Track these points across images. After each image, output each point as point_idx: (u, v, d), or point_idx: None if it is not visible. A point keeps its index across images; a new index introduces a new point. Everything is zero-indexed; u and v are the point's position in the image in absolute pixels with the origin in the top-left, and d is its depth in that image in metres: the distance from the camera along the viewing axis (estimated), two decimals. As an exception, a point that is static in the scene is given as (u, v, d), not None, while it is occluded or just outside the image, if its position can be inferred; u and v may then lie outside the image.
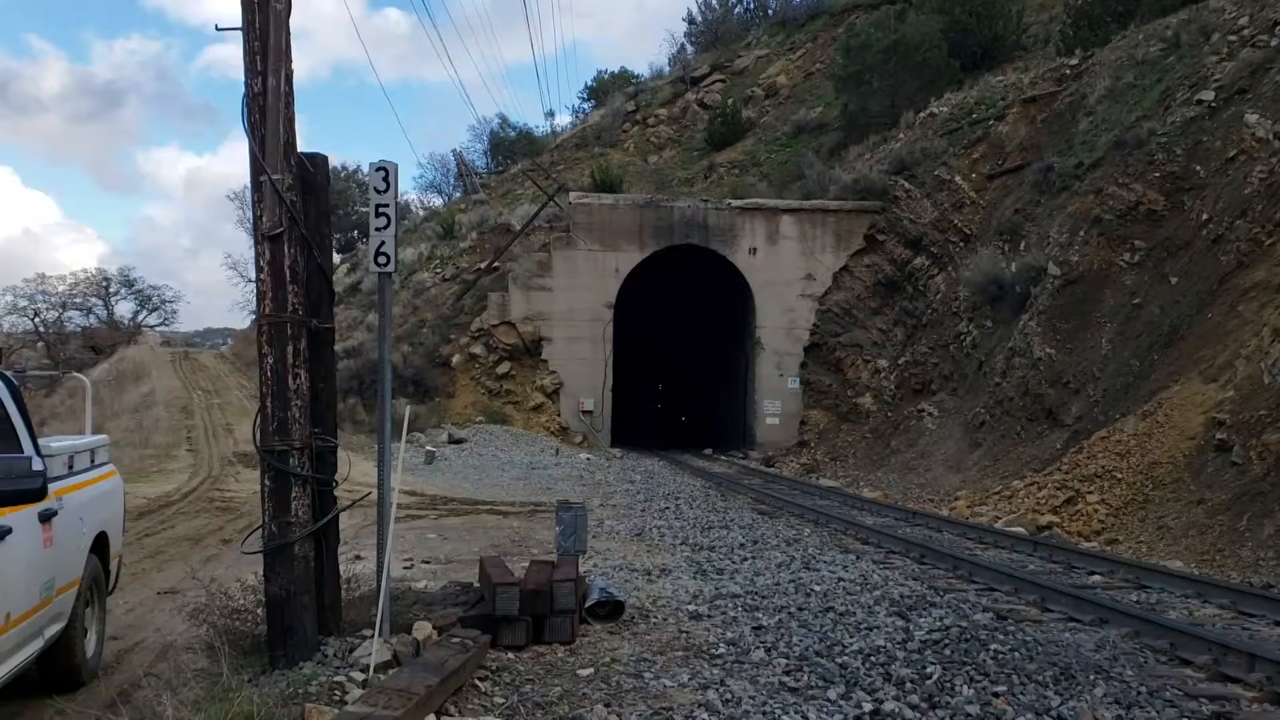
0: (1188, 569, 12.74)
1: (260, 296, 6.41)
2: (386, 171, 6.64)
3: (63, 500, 6.28)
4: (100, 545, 7.12)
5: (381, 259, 6.71)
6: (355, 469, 18.09)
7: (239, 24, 6.12)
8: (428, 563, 12.12)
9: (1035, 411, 21.07)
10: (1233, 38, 23.61)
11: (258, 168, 6.23)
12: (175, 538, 14.02)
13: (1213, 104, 22.03)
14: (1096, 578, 11.38)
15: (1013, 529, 15.78)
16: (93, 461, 7.46)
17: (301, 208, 6.47)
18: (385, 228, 6.66)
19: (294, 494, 6.45)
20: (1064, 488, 16.72)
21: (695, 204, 33.62)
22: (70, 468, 6.83)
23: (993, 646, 7.16)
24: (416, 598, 8.68)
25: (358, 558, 11.66)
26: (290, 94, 6.32)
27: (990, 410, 22.61)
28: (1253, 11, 24.05)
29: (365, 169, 7.14)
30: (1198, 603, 9.79)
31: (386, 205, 6.62)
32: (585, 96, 62.48)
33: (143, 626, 8.62)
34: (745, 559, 12.00)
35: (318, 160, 6.74)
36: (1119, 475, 16.26)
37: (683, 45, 59.05)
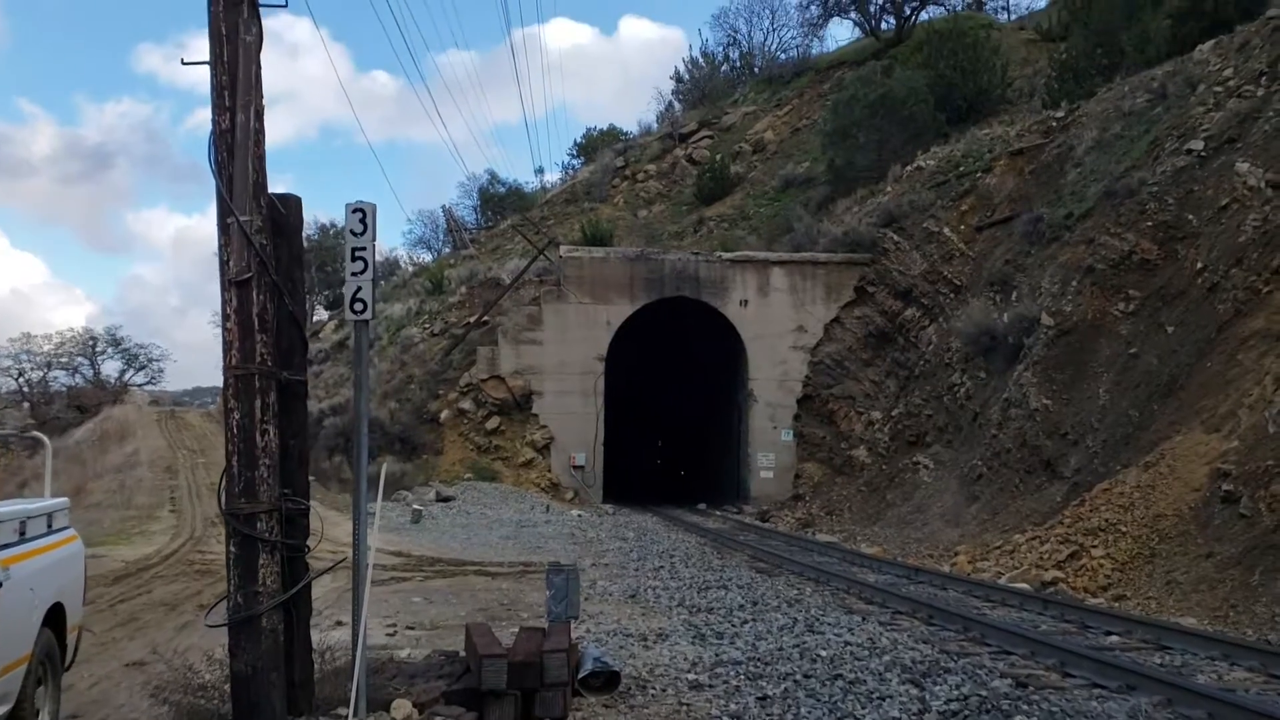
0: (1202, 626, 12.23)
1: (226, 347, 5.95)
2: (364, 213, 6.21)
3: (10, 570, 5.73)
4: (55, 618, 6.55)
5: (358, 306, 6.25)
6: (339, 529, 17.57)
7: (207, 57, 5.69)
8: (412, 629, 11.52)
9: (1033, 463, 20.59)
10: (1219, 89, 23.52)
11: (225, 209, 5.81)
12: (151, 603, 13.39)
13: (1202, 153, 21.87)
14: (1114, 638, 10.87)
15: (1017, 585, 15.24)
16: (49, 527, 6.91)
17: (272, 252, 6.04)
18: (362, 272, 6.22)
19: (261, 561, 5.96)
20: (1067, 542, 16.19)
21: (686, 257, 33.33)
22: (22, 534, 6.28)
23: (1017, 719, 6.63)
24: (398, 669, 8.11)
25: (338, 623, 11.06)
26: (261, 131, 5.91)
27: (987, 462, 22.12)
28: (1237, 63, 23.99)
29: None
30: (1225, 665, 9.25)
31: (364, 249, 6.18)
32: (574, 153, 62.55)
33: (105, 703, 8.03)
34: (745, 621, 11.45)
35: (290, 202, 6.31)
36: (1123, 528, 15.75)
37: (670, 103, 59.28)
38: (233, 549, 6.00)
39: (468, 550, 20.06)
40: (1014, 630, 10.72)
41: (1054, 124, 29.30)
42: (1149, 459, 16.78)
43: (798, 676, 8.27)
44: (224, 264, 5.92)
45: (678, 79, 59.77)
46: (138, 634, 11.27)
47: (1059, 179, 26.78)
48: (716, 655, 9.41)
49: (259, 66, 5.76)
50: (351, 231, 6.24)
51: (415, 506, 26.42)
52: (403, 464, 30.49)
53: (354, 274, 6.22)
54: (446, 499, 28.56)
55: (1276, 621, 12.03)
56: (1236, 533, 14.18)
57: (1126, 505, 16.09)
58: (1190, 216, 21.05)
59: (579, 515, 27.85)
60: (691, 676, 8.46)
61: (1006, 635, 10.42)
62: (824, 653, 9.32)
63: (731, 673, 8.59)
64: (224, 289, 5.94)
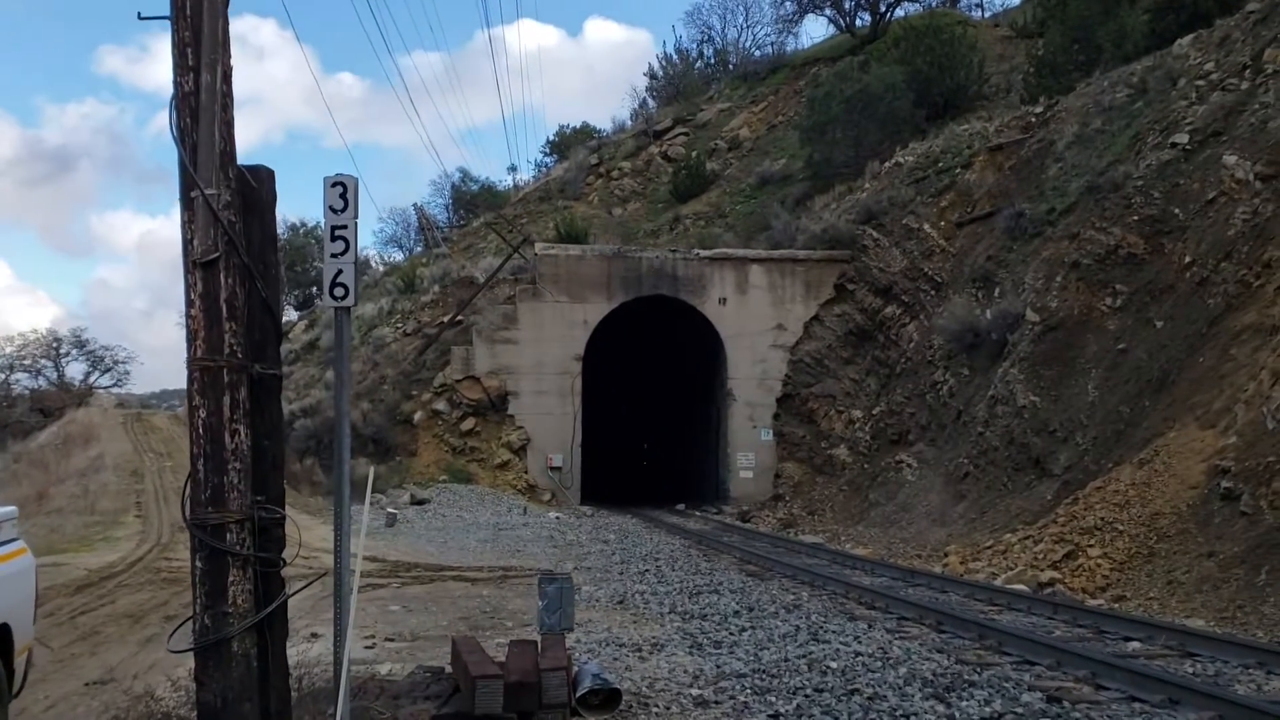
0: (1210, 628, 11.77)
1: (191, 336, 5.24)
2: (344, 187, 5.57)
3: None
4: (0, 640, 5.87)
5: (339, 291, 5.60)
6: (313, 534, 16.78)
7: (167, 12, 5.02)
8: (391, 640, 10.86)
9: (1021, 461, 20.14)
10: (1200, 82, 23.22)
11: (188, 181, 5.13)
12: (114, 615, 12.65)
13: (1187, 147, 21.52)
14: (1135, 644, 10.35)
15: (1013, 586, 14.77)
16: (-6, 539, 6.22)
17: (242, 230, 5.34)
18: (343, 253, 5.56)
19: (232, 577, 5.27)
20: (1062, 541, 15.74)
21: (664, 254, 32.72)
22: (-39, 549, 5.60)
23: (1059, 739, 6.08)
24: (381, 688, 7.48)
25: (313, 636, 10.41)
26: (229, 95, 5.24)
27: (974, 460, 21.66)
28: (1218, 57, 23.71)
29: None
30: (1261, 674, 8.72)
31: (344, 227, 5.52)
32: (547, 151, 61.84)
33: (61, 729, 7.33)
34: (744, 629, 10.87)
35: (261, 174, 5.58)
36: (1120, 527, 15.31)
37: (645, 100, 58.67)
38: (199, 564, 5.29)
39: (445, 554, 19.41)
40: (1031, 637, 10.20)
41: (1033, 119, 28.94)
42: (1143, 456, 16.35)
43: (809, 691, 7.70)
44: (187, 243, 5.25)
45: (652, 76, 59.21)
46: (99, 649, 10.56)
47: (1040, 174, 26.41)
48: (718, 667, 8.83)
49: (226, 21, 5.09)
50: (331, 208, 5.59)
51: (390, 510, 25.70)
52: (376, 466, 29.60)
53: (334, 255, 5.57)
54: (421, 502, 27.84)
55: (1288, 623, 11.61)
56: (1238, 531, 13.76)
57: (1122, 503, 15.65)
58: (1177, 210, 20.69)
59: (557, 517, 27.21)
60: (695, 691, 7.87)
61: (1025, 643, 9.88)
62: (834, 664, 8.76)
63: (737, 686, 8.02)
64: (188, 271, 5.26)
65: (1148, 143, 22.99)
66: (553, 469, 30.74)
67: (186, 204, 5.22)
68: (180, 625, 5.61)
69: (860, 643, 9.90)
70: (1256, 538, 13.36)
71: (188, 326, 5.27)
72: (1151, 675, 8.12)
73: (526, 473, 30.84)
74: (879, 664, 8.77)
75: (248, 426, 5.38)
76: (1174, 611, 13.02)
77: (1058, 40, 32.50)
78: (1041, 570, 15.36)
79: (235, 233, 5.27)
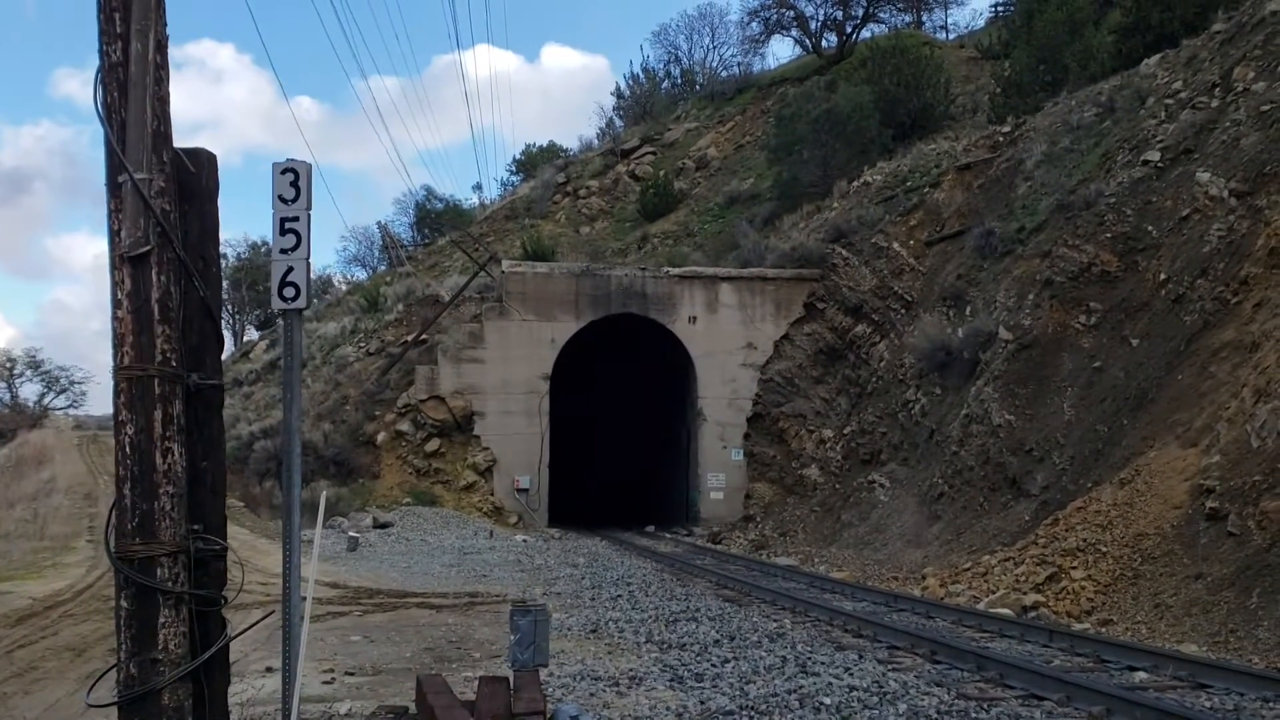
0: (1204, 653, 11.30)
1: (118, 341, 4.61)
2: (296, 174, 4.92)
3: None
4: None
5: (289, 291, 4.94)
6: (270, 558, 15.92)
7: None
8: (351, 674, 10.11)
9: (997, 481, 19.69)
10: (1170, 101, 23.09)
11: (115, 164, 4.52)
12: (56, 647, 11.81)
13: (1159, 164, 21.32)
14: (1142, 674, 9.82)
15: (998, 610, 14.25)
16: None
17: (178, 220, 4.70)
18: (294, 249, 4.90)
19: (163, 619, 4.60)
20: (1044, 563, 15.25)
21: (633, 272, 32.13)
22: None
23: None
24: None
25: (267, 670, 9.68)
26: (164, 67, 4.60)
27: (948, 480, 21.18)
28: (1186, 76, 23.60)
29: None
30: (1280, 708, 8.22)
31: (295, 219, 4.87)
32: (514, 169, 61.26)
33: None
34: (726, 660, 10.22)
35: (201, 157, 4.92)
36: (1103, 548, 14.85)
37: (611, 119, 58.29)
38: (124, 604, 4.63)
39: (409, 580, 18.63)
40: (1032, 668, 9.61)
41: (1001, 139, 28.76)
42: (1124, 475, 15.93)
43: (803, 732, 7.08)
44: (114, 234, 4.61)
45: (619, 94, 58.85)
46: (35, 686, 9.75)
47: (1009, 193, 26.14)
48: (702, 703, 8.21)
49: (161, -14, 4.47)
50: (281, 198, 4.94)
51: (352, 534, 24.85)
52: (338, 489, 28.85)
53: (284, 251, 4.91)
54: (384, 525, 27.00)
55: (1283, 648, 11.15)
56: (1226, 552, 13.33)
57: (1105, 524, 15.20)
58: (1150, 227, 20.43)
59: (524, 540, 26.45)
60: None
61: (1029, 675, 9.28)
62: (827, 699, 8.16)
63: None
64: (114, 267, 4.63)
65: (1118, 160, 22.79)
66: (519, 491, 29.98)
67: (113, 190, 4.59)
68: (102, 675, 4.89)
69: (853, 675, 9.30)
70: (1245, 559, 12.93)
71: (114, 330, 4.62)
72: (1171, 711, 7.60)
73: (493, 495, 30.06)
74: (876, 699, 8.20)
75: (182, 445, 4.72)
76: (1164, 636, 12.55)
77: (1024, 61, 32.44)
78: (1025, 593, 14.86)
79: (170, 224, 4.63)
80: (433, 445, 30.47)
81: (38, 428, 42.52)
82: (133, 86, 4.48)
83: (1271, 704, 8.38)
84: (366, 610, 14.84)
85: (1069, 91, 28.15)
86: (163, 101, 4.61)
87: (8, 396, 54.31)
